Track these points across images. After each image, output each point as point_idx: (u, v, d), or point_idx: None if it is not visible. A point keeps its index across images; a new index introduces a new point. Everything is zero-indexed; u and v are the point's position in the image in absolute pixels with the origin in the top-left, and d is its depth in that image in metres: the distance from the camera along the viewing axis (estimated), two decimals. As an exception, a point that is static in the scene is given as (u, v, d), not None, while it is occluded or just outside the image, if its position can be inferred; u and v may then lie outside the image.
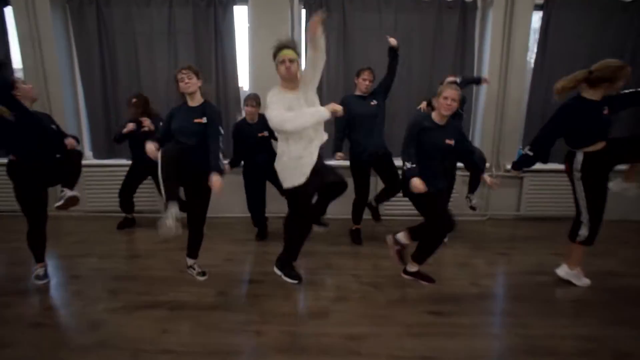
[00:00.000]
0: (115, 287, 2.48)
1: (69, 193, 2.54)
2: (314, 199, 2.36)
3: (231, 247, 3.19)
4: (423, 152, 2.25)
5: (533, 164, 2.55)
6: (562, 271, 2.61)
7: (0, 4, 3.78)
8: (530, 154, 2.47)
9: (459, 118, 3.22)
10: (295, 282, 2.32)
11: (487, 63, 3.83)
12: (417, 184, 2.16)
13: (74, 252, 3.07)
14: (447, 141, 2.29)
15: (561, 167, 2.58)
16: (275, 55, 2.10)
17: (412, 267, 2.49)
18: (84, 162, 4.00)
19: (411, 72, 3.86)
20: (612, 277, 2.70)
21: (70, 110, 4.02)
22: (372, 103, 3.12)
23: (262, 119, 3.09)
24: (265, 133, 3.20)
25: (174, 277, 2.64)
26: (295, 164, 2.13)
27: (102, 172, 4.00)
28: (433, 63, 3.84)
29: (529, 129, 3.93)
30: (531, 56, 3.92)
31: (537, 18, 3.81)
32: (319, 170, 2.18)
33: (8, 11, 3.75)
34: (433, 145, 2.27)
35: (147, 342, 1.93)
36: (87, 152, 4.22)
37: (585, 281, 2.55)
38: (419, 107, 3.14)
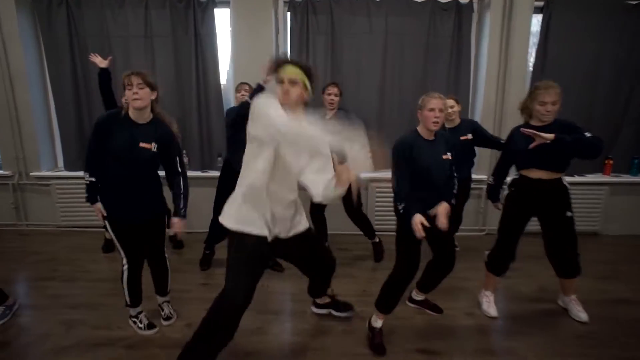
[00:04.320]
0: (71, 318, 2.22)
1: None
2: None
3: (206, 269, 2.95)
4: (417, 178, 1.93)
5: (498, 192, 2.46)
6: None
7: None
8: (492, 182, 2.43)
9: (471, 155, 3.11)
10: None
11: (484, 68, 3.61)
12: (418, 222, 1.76)
13: (36, 274, 2.81)
14: (444, 157, 2.00)
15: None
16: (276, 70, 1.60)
17: (418, 296, 2.34)
18: (55, 173, 3.81)
19: (402, 78, 3.62)
20: (620, 305, 2.46)
21: (40, 117, 3.78)
22: None
23: None
24: None
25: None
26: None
27: (75, 185, 3.74)
28: (426, 69, 3.61)
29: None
30: (530, 61, 3.70)
31: (536, 21, 3.59)
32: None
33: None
34: (428, 165, 1.94)
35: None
36: (59, 163, 3.98)
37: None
38: None
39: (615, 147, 3.77)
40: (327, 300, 2.23)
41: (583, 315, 2.27)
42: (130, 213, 1.93)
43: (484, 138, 2.95)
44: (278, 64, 1.58)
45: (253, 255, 1.59)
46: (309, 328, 2.18)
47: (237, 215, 1.60)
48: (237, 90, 2.95)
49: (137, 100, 1.82)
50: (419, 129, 1.99)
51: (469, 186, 3.19)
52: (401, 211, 1.86)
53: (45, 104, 3.84)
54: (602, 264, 3.09)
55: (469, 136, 2.92)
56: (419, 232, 1.74)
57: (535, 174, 2.16)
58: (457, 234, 3.55)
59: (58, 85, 3.69)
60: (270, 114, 1.43)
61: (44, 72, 3.77)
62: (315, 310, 2.27)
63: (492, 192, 2.47)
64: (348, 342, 2.06)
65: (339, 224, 3.45)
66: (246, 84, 2.93)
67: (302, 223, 1.81)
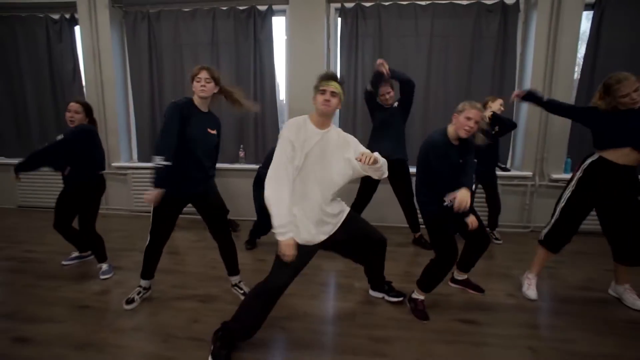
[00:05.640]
0: (179, 280, 2.63)
1: None
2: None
3: (265, 249, 3.27)
4: (439, 176, 2.05)
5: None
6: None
7: (71, 23, 4.24)
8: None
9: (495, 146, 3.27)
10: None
11: (529, 68, 3.67)
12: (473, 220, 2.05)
13: (119, 246, 3.27)
14: (461, 161, 2.10)
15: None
16: (318, 83, 1.83)
17: (460, 276, 2.51)
18: (131, 164, 4.36)
19: (447, 79, 3.78)
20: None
21: (122, 116, 4.36)
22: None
23: None
24: None
25: (205, 272, 2.73)
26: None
27: (147, 174, 4.26)
28: (471, 70, 3.74)
29: (575, 138, 3.70)
30: (579, 61, 3.70)
31: (585, 19, 3.60)
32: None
33: (77, 30, 4.21)
34: (444, 170, 2.03)
35: (178, 330, 2.01)
36: (134, 156, 4.54)
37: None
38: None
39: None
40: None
41: (639, 303, 2.27)
42: (188, 188, 2.15)
43: (503, 124, 3.15)
44: (320, 79, 1.82)
45: (298, 255, 1.78)
46: (359, 298, 2.39)
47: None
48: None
49: (203, 90, 2.10)
50: (450, 130, 2.08)
51: (494, 176, 3.39)
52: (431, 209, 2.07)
53: (125, 104, 4.42)
54: None
55: (496, 128, 3.08)
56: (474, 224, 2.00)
57: (625, 158, 2.13)
58: (501, 229, 3.62)
59: (137, 88, 4.26)
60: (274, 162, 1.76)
61: (126, 77, 4.37)
62: (371, 293, 2.44)
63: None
64: (394, 310, 2.24)
65: (380, 217, 3.66)
66: None
67: (344, 211, 2.03)
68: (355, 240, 2.09)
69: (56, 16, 4.24)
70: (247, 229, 3.45)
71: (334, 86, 1.80)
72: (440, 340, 1.94)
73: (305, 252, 1.82)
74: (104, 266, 2.68)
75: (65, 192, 2.60)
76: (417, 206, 2.46)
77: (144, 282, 2.33)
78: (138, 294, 2.30)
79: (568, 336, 2.00)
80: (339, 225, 1.97)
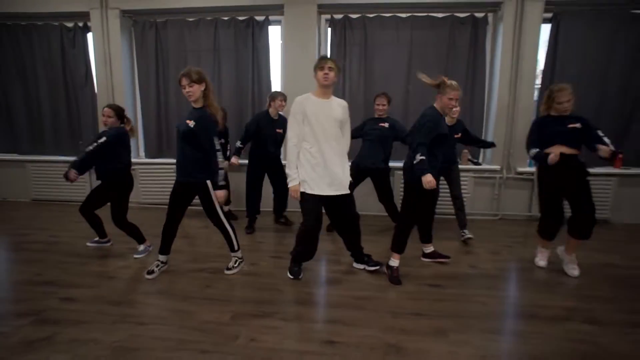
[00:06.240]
0: (190, 256, 3.06)
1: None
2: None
3: (264, 233, 3.69)
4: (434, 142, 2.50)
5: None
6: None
7: (84, 31, 4.63)
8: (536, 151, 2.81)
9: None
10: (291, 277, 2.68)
11: (497, 75, 4.15)
12: (431, 179, 2.40)
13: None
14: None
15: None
16: (317, 63, 2.40)
17: (427, 249, 2.98)
18: (138, 160, 4.74)
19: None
20: (608, 267, 2.91)
21: (130, 116, 4.71)
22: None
23: (283, 119, 3.64)
24: (281, 131, 3.68)
25: (214, 252, 3.15)
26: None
27: (153, 169, 4.66)
28: (446, 75, 4.17)
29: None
30: (540, 67, 4.20)
31: (545, 31, 4.10)
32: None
33: (90, 37, 4.59)
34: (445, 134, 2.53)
35: (194, 292, 2.43)
36: (141, 152, 4.93)
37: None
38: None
39: (625, 142, 4.14)
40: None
41: (575, 272, 2.74)
42: (180, 174, 2.55)
43: (469, 138, 3.52)
44: (319, 60, 2.42)
45: (313, 201, 2.48)
46: (344, 269, 2.83)
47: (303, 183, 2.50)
48: (273, 98, 3.63)
49: (190, 96, 2.41)
50: (437, 106, 2.56)
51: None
52: (416, 161, 2.45)
53: (133, 105, 4.81)
54: (605, 241, 3.50)
55: (459, 135, 3.45)
56: (431, 184, 2.42)
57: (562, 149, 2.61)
58: (473, 217, 4.06)
59: (145, 91, 4.67)
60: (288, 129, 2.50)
61: (134, 81, 4.76)
62: (355, 265, 2.88)
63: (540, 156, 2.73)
64: (373, 278, 2.69)
65: (369, 207, 4.11)
66: (281, 93, 3.67)
67: (346, 181, 2.55)
68: (340, 208, 2.60)
69: (70, 24, 4.62)
70: (245, 219, 3.87)
71: (330, 63, 2.38)
72: (410, 298, 2.39)
73: (318, 199, 2.48)
74: (141, 247, 3.09)
75: (102, 186, 2.97)
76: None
77: (162, 257, 2.74)
78: (157, 266, 2.71)
79: (512, 294, 2.47)
80: (340, 191, 2.52)
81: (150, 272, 2.66)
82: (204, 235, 3.62)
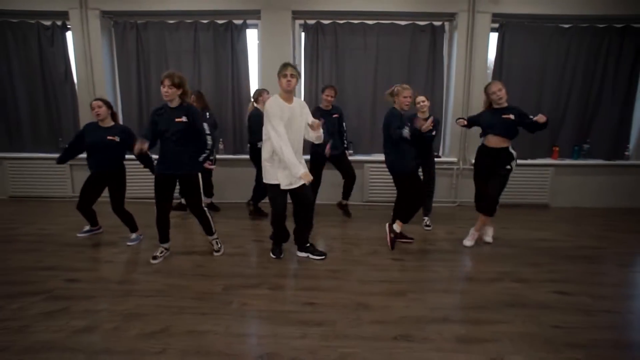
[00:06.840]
0: (177, 243, 3.31)
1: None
2: None
3: (245, 222, 4.02)
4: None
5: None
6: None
7: (63, 29, 4.72)
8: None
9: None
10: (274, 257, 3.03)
11: (453, 77, 4.67)
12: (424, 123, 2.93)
13: (120, 225, 3.88)
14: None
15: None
16: (280, 70, 2.65)
17: (398, 227, 3.28)
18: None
19: (390, 84, 4.60)
20: (540, 241, 3.48)
21: (112, 114, 4.90)
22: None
23: None
24: None
25: (200, 238, 3.45)
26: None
27: (136, 165, 4.83)
28: (409, 78, 4.67)
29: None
30: (489, 70, 4.76)
31: (494, 38, 4.65)
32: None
33: (69, 35, 4.70)
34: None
35: (188, 271, 2.75)
36: (124, 149, 5.09)
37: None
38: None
39: (560, 137, 4.79)
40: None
41: (488, 239, 3.36)
42: (168, 168, 2.78)
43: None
44: (282, 66, 2.65)
45: (279, 193, 2.77)
46: (319, 249, 3.23)
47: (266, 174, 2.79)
48: (260, 94, 3.98)
49: (167, 96, 2.66)
50: (397, 107, 3.14)
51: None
52: (404, 134, 2.98)
53: (114, 104, 4.95)
54: (542, 222, 4.10)
55: (434, 133, 3.89)
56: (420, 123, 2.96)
57: (495, 142, 3.13)
58: (434, 205, 4.55)
59: (125, 88, 4.83)
60: (269, 131, 2.64)
61: (114, 79, 4.91)
62: (298, 254, 3.12)
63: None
64: (345, 255, 3.10)
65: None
66: (264, 89, 4.01)
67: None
68: (299, 196, 2.84)
69: (47, 22, 4.70)
70: (227, 210, 4.18)
71: (291, 70, 2.64)
72: (376, 270, 2.82)
73: (284, 191, 2.77)
74: (133, 235, 3.35)
75: (99, 178, 3.21)
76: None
77: (165, 245, 3.03)
78: (161, 253, 2.99)
79: (460, 264, 2.98)
80: (299, 183, 2.75)
81: (155, 258, 2.94)
82: (190, 226, 3.90)
